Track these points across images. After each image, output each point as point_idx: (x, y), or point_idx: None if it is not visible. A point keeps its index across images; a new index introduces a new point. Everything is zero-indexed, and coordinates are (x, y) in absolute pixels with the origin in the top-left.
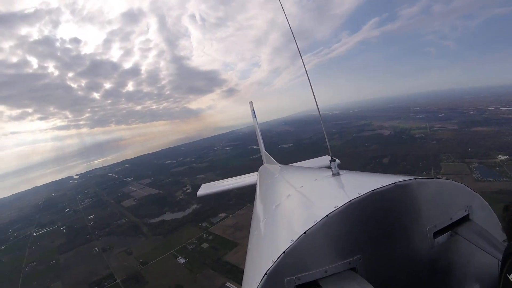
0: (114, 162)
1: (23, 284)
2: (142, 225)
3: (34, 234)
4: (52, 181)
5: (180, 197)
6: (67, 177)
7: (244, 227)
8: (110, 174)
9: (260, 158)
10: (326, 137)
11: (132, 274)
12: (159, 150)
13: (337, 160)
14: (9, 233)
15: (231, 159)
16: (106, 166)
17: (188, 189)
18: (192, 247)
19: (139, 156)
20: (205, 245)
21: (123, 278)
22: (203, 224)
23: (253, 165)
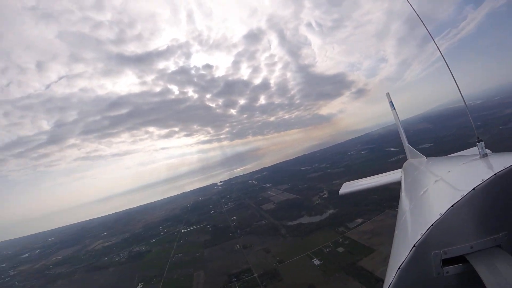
0: (253, 170)
1: (169, 270)
2: (281, 227)
3: (182, 230)
4: (199, 188)
5: (317, 202)
6: (212, 184)
7: (382, 234)
8: (250, 181)
9: (400, 159)
10: (472, 122)
11: (268, 270)
12: (294, 157)
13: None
14: (160, 229)
15: (367, 163)
16: (247, 173)
17: (325, 194)
18: (327, 250)
19: (276, 163)
20: (340, 249)
21: (260, 273)
22: (339, 228)
23: (392, 168)
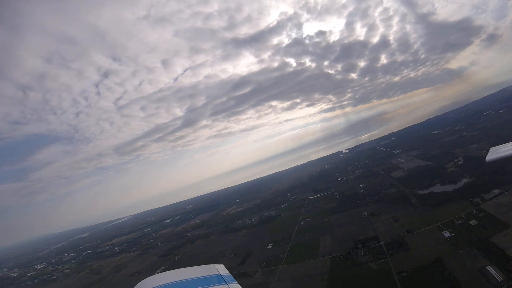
0: (380, 136)
1: (297, 233)
2: (411, 196)
3: (310, 197)
4: (324, 156)
5: (451, 169)
6: (337, 152)
7: None
8: (378, 147)
9: None
10: None
11: (396, 239)
12: (424, 120)
13: None
14: (289, 196)
15: (507, 125)
16: (373, 140)
17: (460, 160)
18: (459, 222)
19: (405, 128)
20: (473, 222)
21: (387, 241)
22: (474, 199)
23: None
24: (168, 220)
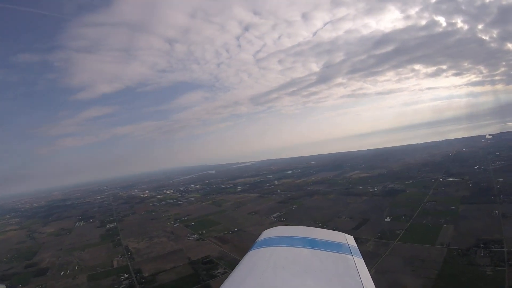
0: None
1: (420, 214)
2: None
3: (441, 179)
4: (464, 137)
5: None
6: (479, 135)
7: None
8: None
9: None
10: None
11: None
12: None
13: None
14: (418, 173)
15: None
16: None
17: None
18: None
19: None
20: None
21: (511, 249)
22: None
23: None
24: (290, 172)
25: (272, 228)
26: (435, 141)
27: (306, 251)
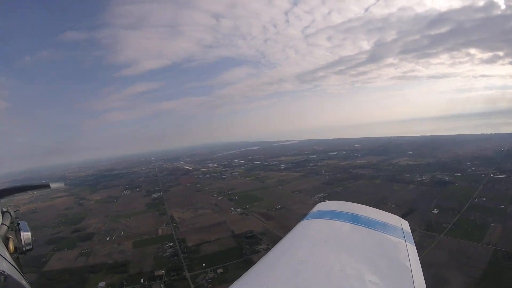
0: None
1: (468, 208)
2: None
3: (491, 175)
4: None
5: None
6: None
7: None
8: None
9: None
10: None
11: None
12: None
13: None
14: (468, 166)
15: None
16: None
17: None
18: None
19: None
20: None
21: None
22: None
23: None
24: (335, 153)
25: (327, 201)
26: (487, 134)
27: (359, 228)
